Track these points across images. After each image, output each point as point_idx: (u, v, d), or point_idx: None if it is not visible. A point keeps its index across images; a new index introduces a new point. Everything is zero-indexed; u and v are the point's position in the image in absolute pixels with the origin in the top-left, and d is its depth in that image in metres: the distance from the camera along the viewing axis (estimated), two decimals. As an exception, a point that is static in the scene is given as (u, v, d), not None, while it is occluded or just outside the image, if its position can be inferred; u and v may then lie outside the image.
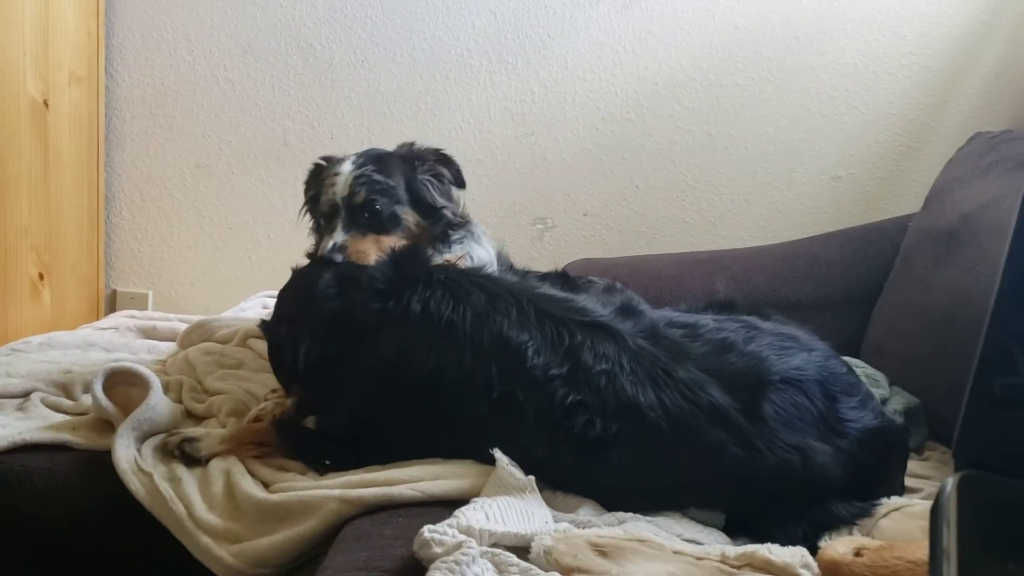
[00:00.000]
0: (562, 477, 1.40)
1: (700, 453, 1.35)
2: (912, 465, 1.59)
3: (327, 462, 1.45)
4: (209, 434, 1.51)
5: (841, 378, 1.46)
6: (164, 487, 1.44)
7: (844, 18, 2.66)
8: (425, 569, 1.05)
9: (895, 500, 1.40)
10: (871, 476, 1.41)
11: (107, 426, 1.61)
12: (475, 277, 1.56)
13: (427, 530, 1.10)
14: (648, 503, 1.36)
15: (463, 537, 1.10)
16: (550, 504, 1.33)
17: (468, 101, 2.81)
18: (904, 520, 1.34)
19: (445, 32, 2.79)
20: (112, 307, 2.92)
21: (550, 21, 2.75)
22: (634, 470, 1.37)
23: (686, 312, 1.68)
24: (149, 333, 2.36)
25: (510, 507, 1.23)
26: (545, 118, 2.78)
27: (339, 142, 2.85)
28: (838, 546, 1.17)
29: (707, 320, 1.52)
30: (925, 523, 1.29)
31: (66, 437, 1.59)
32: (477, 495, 1.29)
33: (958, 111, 2.63)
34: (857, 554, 1.14)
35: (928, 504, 1.37)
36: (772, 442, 1.34)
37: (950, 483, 0.48)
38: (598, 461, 1.37)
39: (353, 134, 2.85)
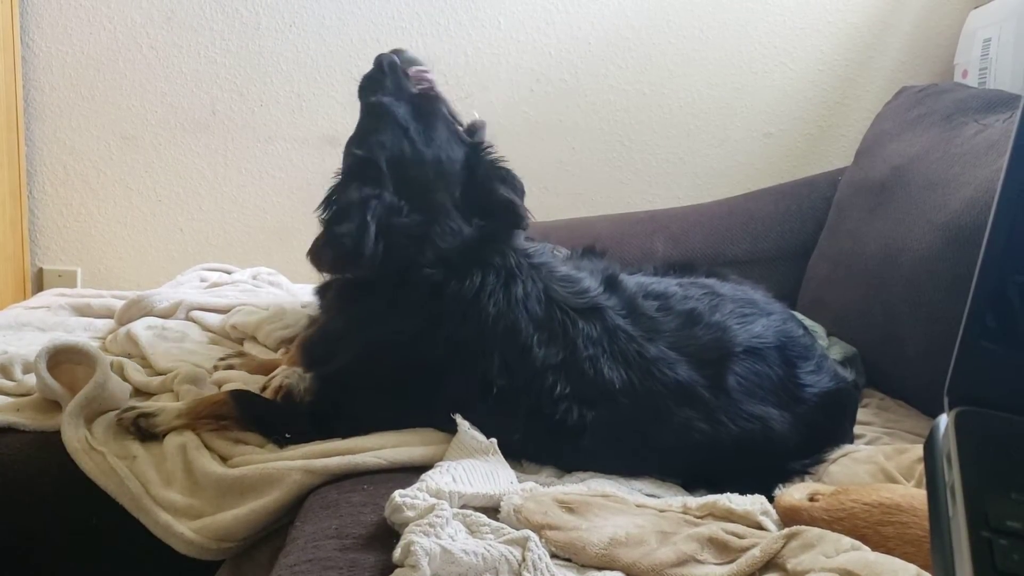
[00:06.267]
0: (530, 456, 1.41)
1: (667, 432, 1.37)
2: (853, 412, 1.64)
3: (287, 435, 1.43)
4: (165, 408, 1.47)
5: (798, 342, 1.50)
6: (118, 465, 1.40)
7: (772, -25, 2.70)
8: (397, 534, 1.06)
9: (842, 447, 1.46)
10: (825, 435, 1.46)
11: (54, 406, 1.55)
12: (524, 264, 1.47)
13: (398, 495, 1.11)
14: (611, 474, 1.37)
15: (435, 500, 1.10)
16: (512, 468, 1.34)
17: (400, 65, 2.77)
18: (851, 465, 1.39)
19: (375, -6, 2.74)
20: (39, 286, 2.82)
21: (482, -18, 2.73)
22: (602, 450, 1.38)
23: (653, 276, 1.68)
24: (83, 311, 2.29)
25: (475, 469, 1.25)
26: (479, 81, 2.77)
27: (269, 109, 2.80)
28: (794, 492, 1.21)
29: (674, 288, 1.53)
30: (871, 467, 1.36)
31: (11, 419, 1.53)
32: (440, 461, 1.30)
33: (883, 66, 2.70)
34: (812, 499, 1.18)
35: (872, 449, 1.43)
36: (735, 414, 1.37)
37: (944, 420, 0.49)
38: (570, 445, 1.38)
39: (283, 101, 2.80)
